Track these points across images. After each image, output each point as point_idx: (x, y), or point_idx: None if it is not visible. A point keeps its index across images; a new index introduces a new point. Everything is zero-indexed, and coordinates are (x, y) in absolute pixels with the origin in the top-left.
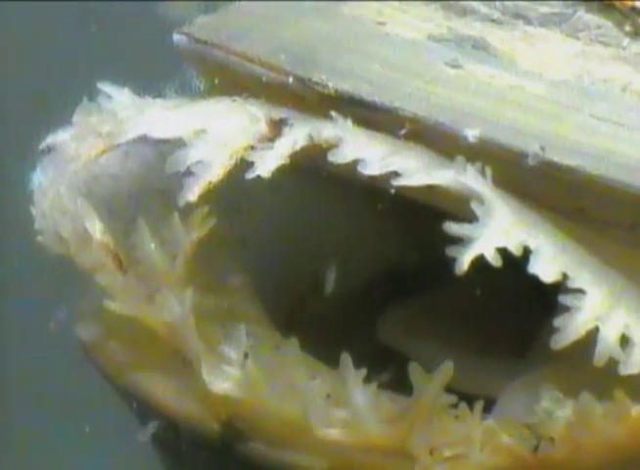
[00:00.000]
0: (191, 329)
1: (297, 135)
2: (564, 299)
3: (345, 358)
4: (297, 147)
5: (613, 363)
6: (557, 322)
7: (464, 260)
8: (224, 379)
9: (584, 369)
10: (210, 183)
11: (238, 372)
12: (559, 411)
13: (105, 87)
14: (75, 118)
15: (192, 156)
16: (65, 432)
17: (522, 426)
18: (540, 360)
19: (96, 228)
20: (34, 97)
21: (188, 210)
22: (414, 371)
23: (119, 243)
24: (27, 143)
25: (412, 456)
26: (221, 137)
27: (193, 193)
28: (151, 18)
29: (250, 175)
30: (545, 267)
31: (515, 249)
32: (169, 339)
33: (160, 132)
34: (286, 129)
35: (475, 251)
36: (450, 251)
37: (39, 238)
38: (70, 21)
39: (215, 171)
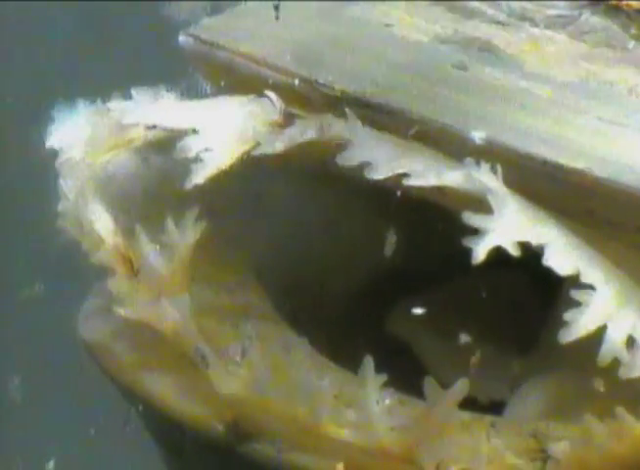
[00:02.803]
0: (193, 333)
1: (309, 124)
2: (575, 293)
3: (368, 362)
4: (307, 136)
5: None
6: (567, 316)
7: (480, 251)
8: (232, 380)
9: (593, 373)
10: (219, 169)
11: (245, 373)
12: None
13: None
14: (87, 116)
15: (201, 142)
16: (69, 434)
17: (529, 436)
18: (549, 363)
19: (107, 230)
20: (36, 98)
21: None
22: (429, 385)
23: (131, 243)
24: (29, 144)
25: (420, 466)
26: (232, 125)
27: (200, 177)
28: (155, 19)
29: (256, 152)
30: (560, 260)
31: (531, 241)
32: (176, 342)
33: (171, 121)
34: (298, 121)
35: (491, 242)
36: (467, 241)
37: (59, 221)
38: (73, 21)
39: (224, 157)
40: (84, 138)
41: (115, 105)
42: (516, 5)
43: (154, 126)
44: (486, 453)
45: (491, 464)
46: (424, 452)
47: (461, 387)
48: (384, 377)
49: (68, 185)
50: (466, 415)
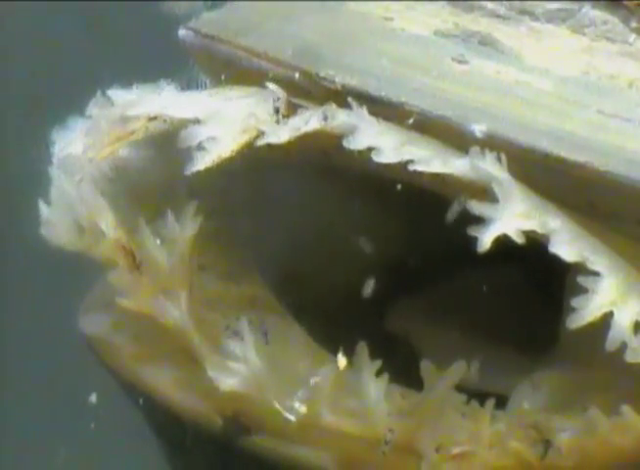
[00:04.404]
0: (190, 331)
1: (313, 114)
2: (582, 280)
3: (362, 348)
4: (312, 125)
5: (625, 361)
6: (574, 303)
7: (486, 239)
8: (230, 375)
9: (596, 368)
10: (221, 157)
11: (243, 367)
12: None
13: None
14: (89, 111)
15: (204, 132)
16: (70, 428)
17: (530, 427)
18: (553, 358)
19: (109, 224)
20: (38, 97)
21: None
22: (426, 369)
23: (134, 237)
24: (30, 143)
25: (418, 453)
26: (235, 114)
27: (202, 164)
28: (156, 16)
29: (261, 142)
30: (566, 248)
31: (537, 229)
32: (176, 335)
33: (174, 111)
34: (301, 110)
35: (496, 230)
36: (472, 230)
37: (43, 231)
38: (73, 19)
39: (227, 146)
40: (84, 132)
41: (117, 96)
42: None
43: (155, 117)
44: (488, 437)
45: (492, 449)
46: (423, 435)
47: (457, 369)
48: (378, 363)
49: (67, 182)
50: (464, 400)
